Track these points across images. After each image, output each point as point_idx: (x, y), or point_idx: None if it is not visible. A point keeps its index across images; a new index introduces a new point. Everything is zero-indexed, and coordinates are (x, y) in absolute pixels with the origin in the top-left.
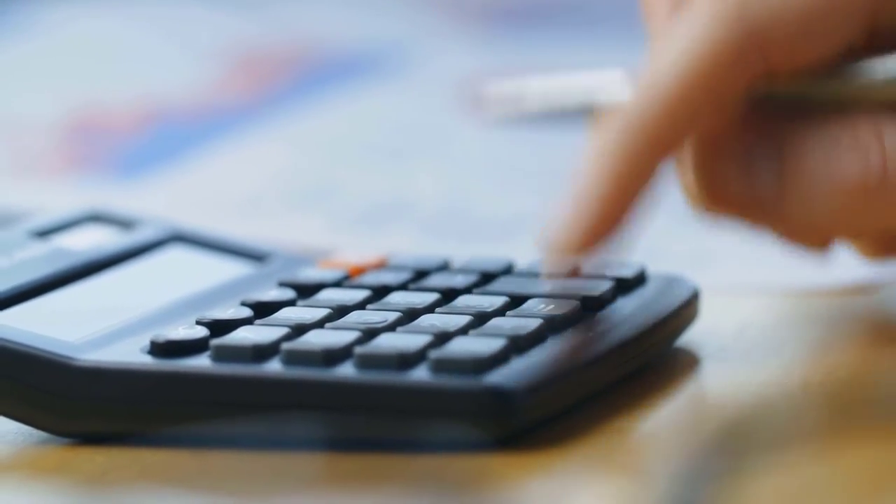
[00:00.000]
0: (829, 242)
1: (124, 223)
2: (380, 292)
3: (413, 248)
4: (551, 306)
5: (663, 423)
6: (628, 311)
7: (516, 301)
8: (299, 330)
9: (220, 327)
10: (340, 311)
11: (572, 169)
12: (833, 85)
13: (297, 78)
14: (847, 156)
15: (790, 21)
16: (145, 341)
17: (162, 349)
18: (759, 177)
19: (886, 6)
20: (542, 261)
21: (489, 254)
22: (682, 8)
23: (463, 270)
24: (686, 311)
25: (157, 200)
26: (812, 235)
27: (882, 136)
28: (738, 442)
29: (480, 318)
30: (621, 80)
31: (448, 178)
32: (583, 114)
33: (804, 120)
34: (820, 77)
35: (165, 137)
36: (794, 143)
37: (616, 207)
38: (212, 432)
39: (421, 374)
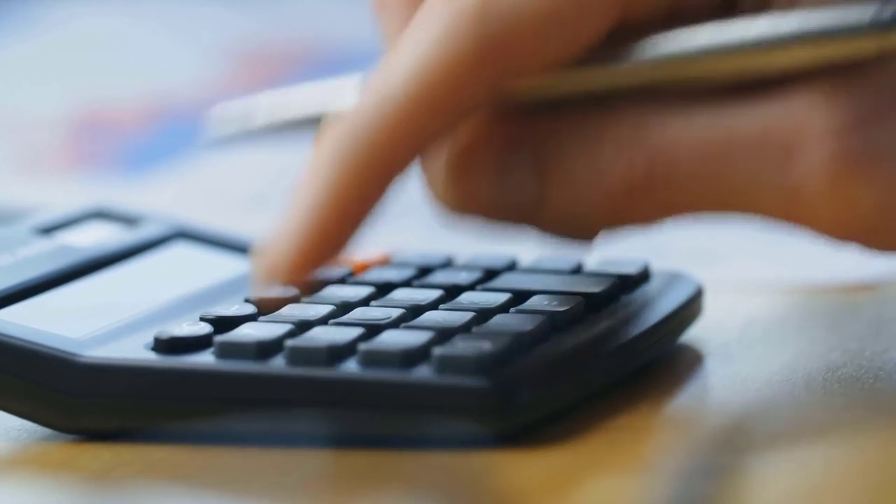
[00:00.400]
0: (594, 235)
1: (128, 220)
2: (383, 289)
3: (418, 244)
4: (555, 303)
5: (667, 420)
6: (632, 309)
7: (520, 297)
8: (303, 327)
9: (223, 324)
10: (344, 308)
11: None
12: (585, 76)
13: (302, 75)
14: (610, 155)
15: (535, 18)
16: (149, 338)
17: (166, 346)
18: (518, 181)
19: None
20: (252, 284)
21: (493, 251)
22: (417, 8)
23: (466, 267)
24: (690, 308)
25: (162, 197)
26: (573, 232)
27: (647, 132)
28: (741, 439)
29: (484, 315)
30: (357, 88)
31: None
32: (314, 126)
33: (563, 118)
34: (570, 70)
35: (170, 134)
36: (553, 144)
37: (337, 231)
38: (216, 429)
39: (424, 371)
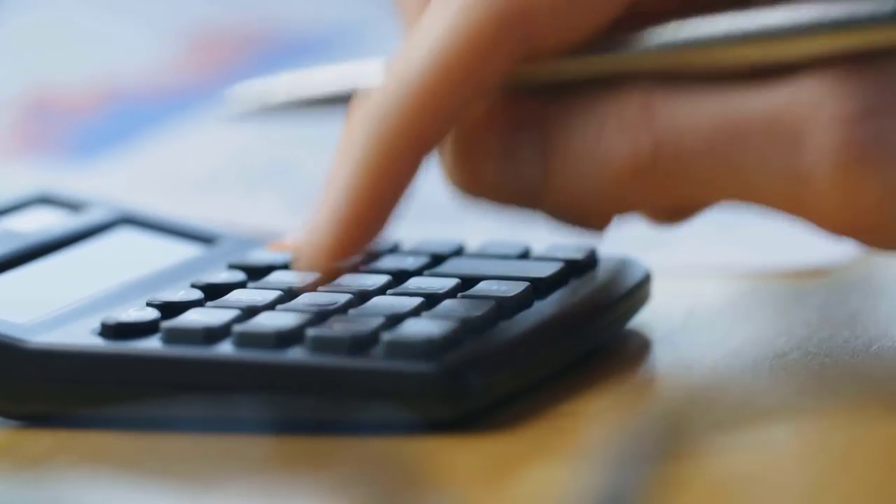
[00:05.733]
0: (602, 222)
1: (72, 205)
2: None
3: None
4: (503, 288)
5: (611, 406)
6: (579, 294)
7: (467, 283)
8: (250, 312)
9: (170, 309)
10: (291, 294)
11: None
12: (597, 60)
13: (255, 58)
14: (614, 136)
15: None
16: (96, 323)
17: (113, 331)
18: (523, 161)
19: None
20: (295, 270)
21: (441, 235)
22: None
23: (413, 252)
24: (637, 293)
25: (113, 181)
26: (582, 217)
27: (652, 114)
28: (685, 425)
29: (432, 300)
30: (381, 70)
31: None
32: (336, 104)
33: (569, 99)
34: (582, 52)
35: (122, 118)
36: (558, 125)
37: (373, 211)
38: (162, 414)
39: (372, 356)
